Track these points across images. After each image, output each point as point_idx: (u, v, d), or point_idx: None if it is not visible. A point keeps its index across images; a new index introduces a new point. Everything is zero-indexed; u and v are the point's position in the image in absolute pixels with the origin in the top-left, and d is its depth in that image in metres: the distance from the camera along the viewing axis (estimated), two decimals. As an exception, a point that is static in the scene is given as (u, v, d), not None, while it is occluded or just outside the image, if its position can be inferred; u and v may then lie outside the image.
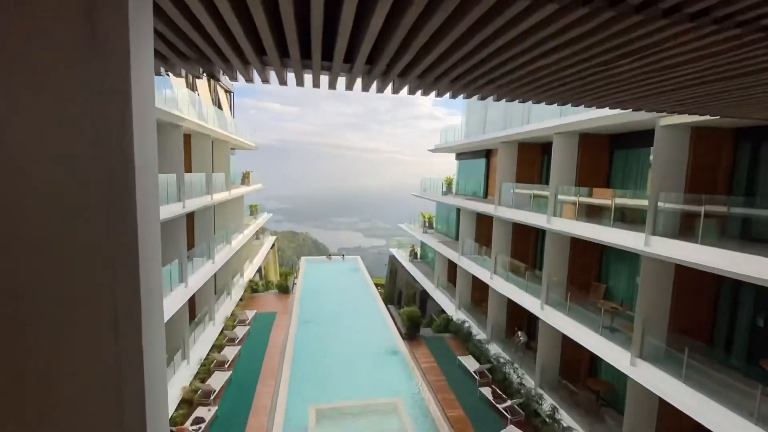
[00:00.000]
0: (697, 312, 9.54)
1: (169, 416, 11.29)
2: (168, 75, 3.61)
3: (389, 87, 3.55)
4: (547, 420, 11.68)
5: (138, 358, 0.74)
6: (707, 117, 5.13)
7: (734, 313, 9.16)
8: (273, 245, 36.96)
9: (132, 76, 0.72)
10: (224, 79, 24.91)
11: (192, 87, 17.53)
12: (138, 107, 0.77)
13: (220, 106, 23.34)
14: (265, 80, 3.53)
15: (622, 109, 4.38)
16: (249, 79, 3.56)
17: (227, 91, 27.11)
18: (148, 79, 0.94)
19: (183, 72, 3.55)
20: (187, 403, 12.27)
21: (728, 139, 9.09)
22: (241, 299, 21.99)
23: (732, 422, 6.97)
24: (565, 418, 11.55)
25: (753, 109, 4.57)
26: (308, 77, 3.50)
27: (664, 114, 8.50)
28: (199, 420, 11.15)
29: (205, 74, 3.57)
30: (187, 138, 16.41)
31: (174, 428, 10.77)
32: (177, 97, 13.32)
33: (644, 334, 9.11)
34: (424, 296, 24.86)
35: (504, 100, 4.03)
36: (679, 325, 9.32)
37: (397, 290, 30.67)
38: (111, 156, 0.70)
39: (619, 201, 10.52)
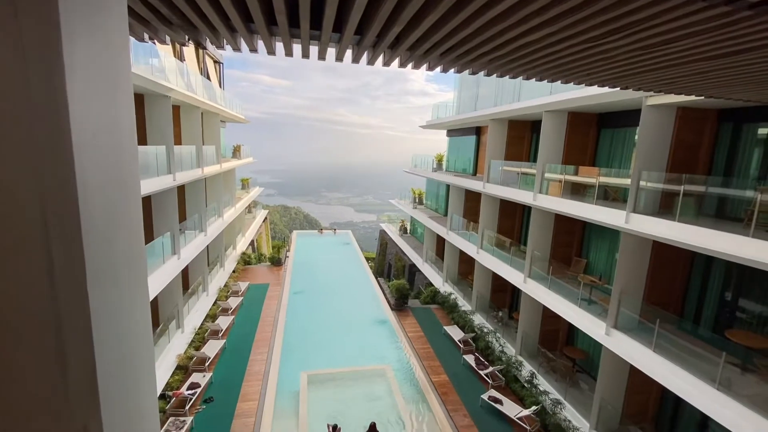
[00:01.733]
0: (670, 286, 9.88)
1: (166, 381, 11.50)
2: (154, 42, 3.45)
3: (380, 59, 3.45)
4: (526, 385, 12.21)
5: (82, 320, 0.68)
6: (693, 97, 5.13)
7: (705, 287, 9.52)
8: (265, 219, 36.79)
9: (64, 36, 0.65)
10: (212, 50, 23.92)
11: (179, 57, 16.84)
12: (79, 71, 0.69)
13: (208, 77, 22.55)
14: (253, 49, 3.40)
15: (610, 86, 4.34)
16: (236, 48, 3.42)
17: (216, 62, 26.12)
18: (110, 39, 0.88)
19: (168, 39, 3.39)
20: (183, 369, 12.49)
21: (711, 120, 9.15)
22: (234, 271, 22.05)
23: (695, 387, 7.38)
24: (543, 383, 12.08)
25: (738, 90, 4.58)
26: (297, 48, 3.38)
27: (652, 94, 8.49)
28: (194, 385, 11.38)
29: (191, 42, 3.42)
30: (176, 109, 15.92)
31: (170, 392, 11.01)
32: (165, 67, 12.80)
33: (620, 306, 9.44)
34: (413, 269, 25.23)
35: (495, 75, 3.96)
36: (653, 298, 9.67)
37: (387, 263, 31.04)
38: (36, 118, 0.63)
39: (603, 179, 10.63)
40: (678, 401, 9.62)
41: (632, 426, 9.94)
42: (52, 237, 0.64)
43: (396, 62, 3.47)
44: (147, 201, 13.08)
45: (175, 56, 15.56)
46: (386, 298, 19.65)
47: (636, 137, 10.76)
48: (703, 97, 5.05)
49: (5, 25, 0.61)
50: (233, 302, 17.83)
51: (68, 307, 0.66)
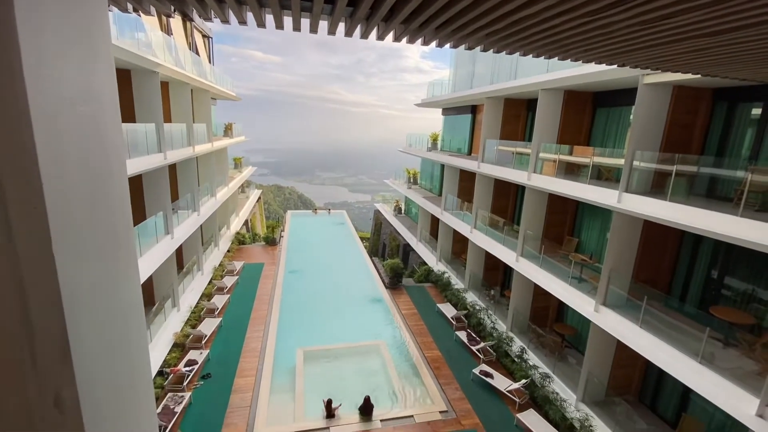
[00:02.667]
0: (659, 264, 10.08)
1: (163, 358, 11.66)
2: (139, 14, 3.30)
3: (373, 33, 3.35)
4: (516, 360, 12.57)
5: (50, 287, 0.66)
6: (689, 75, 5.08)
7: (692, 266, 9.72)
8: (259, 198, 36.55)
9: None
10: (201, 23, 23.08)
11: (167, 31, 16.25)
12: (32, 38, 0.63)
13: (197, 53, 21.86)
14: (242, 21, 3.27)
15: (608, 63, 4.28)
16: (224, 20, 3.29)
17: (205, 36, 25.28)
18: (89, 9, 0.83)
19: (153, 10, 3.25)
20: (180, 347, 12.65)
21: (706, 99, 9.11)
22: (228, 251, 22.06)
23: (679, 361, 7.64)
24: (532, 358, 12.45)
25: (736, 68, 4.53)
26: (288, 21, 3.26)
27: (649, 72, 8.40)
28: (191, 362, 11.56)
29: (176, 13, 3.28)
30: (165, 86, 15.48)
31: (168, 369, 11.18)
32: (152, 41, 12.35)
33: (609, 283, 9.64)
34: (407, 249, 25.41)
35: (491, 51, 3.87)
36: (642, 276, 9.87)
37: (381, 243, 31.22)
38: None
39: (597, 159, 10.63)
40: (661, 374, 9.99)
41: (617, 398, 10.34)
42: (12, 216, 0.61)
43: (390, 36, 3.37)
44: (138, 180, 12.89)
45: (162, 30, 15.01)
46: (381, 277, 19.86)
47: (631, 116, 10.72)
48: (699, 76, 5.01)
49: None
50: (228, 281, 17.92)
51: (33, 279, 0.65)
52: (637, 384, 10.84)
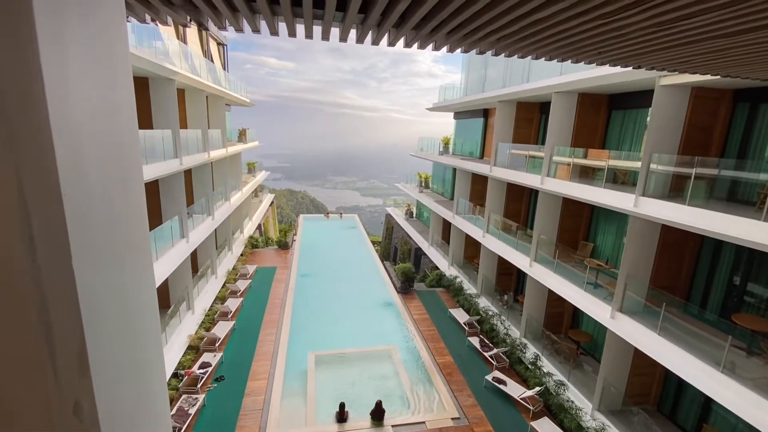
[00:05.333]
0: (678, 269, 9.81)
1: (177, 360, 11.83)
2: (156, 23, 3.39)
3: (384, 39, 3.36)
4: (530, 366, 12.36)
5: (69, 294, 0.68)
6: (708, 76, 4.96)
7: (713, 271, 9.43)
8: (272, 203, 36.96)
9: (36, 6, 0.60)
10: (216, 31, 23.55)
11: (183, 39, 16.63)
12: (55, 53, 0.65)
13: (212, 60, 22.31)
14: (256, 30, 3.33)
15: (622, 66, 4.20)
16: (239, 29, 3.35)
17: (220, 44, 25.79)
18: (106, 18, 0.86)
19: (169, 20, 3.34)
20: (194, 349, 12.81)
21: (726, 100, 8.88)
22: (242, 254, 22.32)
23: (700, 370, 7.40)
24: (547, 365, 12.22)
25: (757, 69, 4.41)
26: (300, 28, 3.30)
27: (665, 73, 8.23)
28: (205, 365, 11.70)
29: (192, 22, 3.36)
30: (181, 93, 15.83)
31: (182, 371, 11.33)
32: (168, 50, 12.67)
33: (626, 289, 9.41)
34: (419, 253, 25.31)
35: (503, 55, 3.85)
36: (660, 282, 9.62)
37: (393, 247, 31.17)
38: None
39: (612, 163, 10.44)
40: (681, 383, 9.68)
41: (634, 407, 10.05)
42: (34, 223, 0.63)
43: (401, 42, 3.39)
44: (155, 185, 13.18)
45: (178, 39, 15.38)
46: (392, 281, 19.80)
47: (648, 119, 10.52)
48: (719, 77, 4.88)
49: None
50: (242, 285, 18.11)
51: (53, 288, 0.66)
52: (655, 393, 10.53)
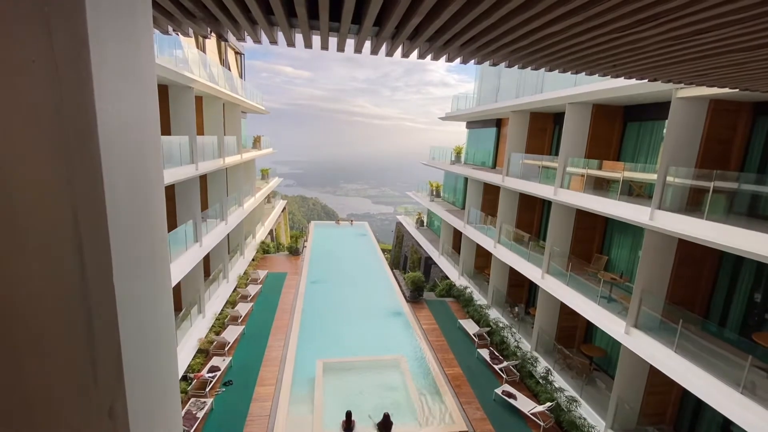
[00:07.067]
0: (695, 285, 9.55)
1: (188, 363, 11.94)
2: (178, 34, 3.52)
3: (398, 50, 3.42)
4: (541, 381, 12.10)
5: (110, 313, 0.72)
6: (726, 89, 4.88)
7: (732, 288, 9.15)
8: (284, 209, 37.31)
9: (90, 33, 0.66)
10: (233, 41, 24.17)
11: (202, 48, 17.09)
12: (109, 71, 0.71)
13: (229, 68, 22.83)
14: (273, 41, 3.41)
15: (638, 79, 4.17)
16: (257, 40, 3.45)
17: (237, 53, 26.39)
18: (137, 32, 0.91)
19: (191, 32, 3.45)
20: (204, 353, 12.92)
21: (746, 113, 8.70)
22: (253, 259, 22.53)
23: (719, 390, 7.15)
24: (558, 380, 11.95)
25: (775, 82, 4.32)
26: (317, 39, 3.38)
27: (682, 85, 8.12)
28: (214, 368, 11.77)
29: (213, 34, 3.47)
30: (199, 100, 16.22)
31: (192, 375, 11.43)
32: (188, 58, 13.03)
33: (641, 304, 9.19)
34: (429, 262, 25.18)
35: (516, 66, 3.87)
36: (677, 297, 9.37)
37: (403, 256, 31.08)
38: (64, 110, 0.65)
39: (628, 174, 10.29)
40: (699, 403, 9.35)
41: (650, 426, 9.74)
42: (83, 234, 0.68)
43: (415, 53, 3.44)
44: (171, 190, 13.46)
45: (197, 47, 15.81)
46: (401, 290, 19.72)
47: (664, 131, 10.36)
48: (737, 90, 4.80)
49: (36, 25, 0.63)
50: (252, 290, 18.25)
51: (97, 300, 0.70)
52: (672, 412, 10.19)
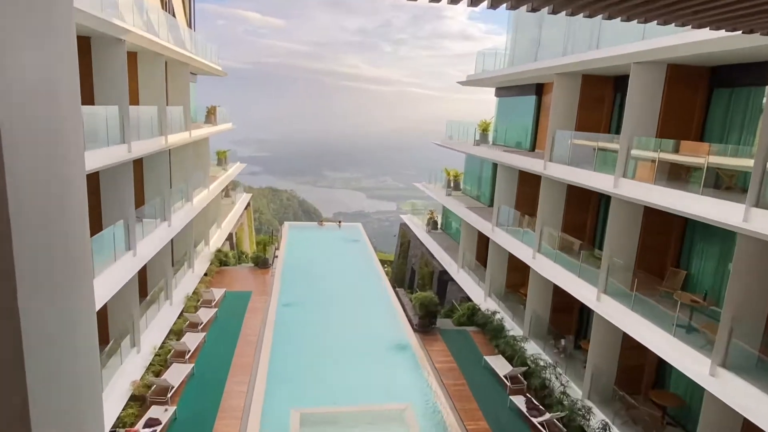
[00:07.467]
0: (805, 311, 9.58)
1: (117, 415, 11.96)
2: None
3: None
4: (596, 439, 12.15)
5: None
6: None
7: None
8: (247, 205, 37.41)
9: None
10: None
11: (138, -14, 17.10)
12: None
13: (173, 14, 22.84)
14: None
15: (728, 30, 4.19)
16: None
17: (186, -7, 26.43)
18: None
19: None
20: (139, 400, 12.94)
21: None
22: (206, 274, 22.57)
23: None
24: (619, 439, 11.99)
25: None
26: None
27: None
28: (153, 422, 11.80)
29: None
30: (132, 57, 16.22)
31: (122, 430, 11.44)
32: (117, 1, 13.03)
33: (731, 335, 9.22)
34: (444, 278, 25.24)
35: (564, 13, 3.88)
36: (780, 327, 9.40)
37: (409, 269, 31.14)
38: None
39: (715, 160, 10.31)
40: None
41: (743, 501, 9.78)
42: None
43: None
44: (94, 179, 13.47)
45: (131, -14, 15.81)
46: (407, 316, 19.77)
47: (765, 100, 10.37)
48: None
49: None
50: (204, 315, 18.28)
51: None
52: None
